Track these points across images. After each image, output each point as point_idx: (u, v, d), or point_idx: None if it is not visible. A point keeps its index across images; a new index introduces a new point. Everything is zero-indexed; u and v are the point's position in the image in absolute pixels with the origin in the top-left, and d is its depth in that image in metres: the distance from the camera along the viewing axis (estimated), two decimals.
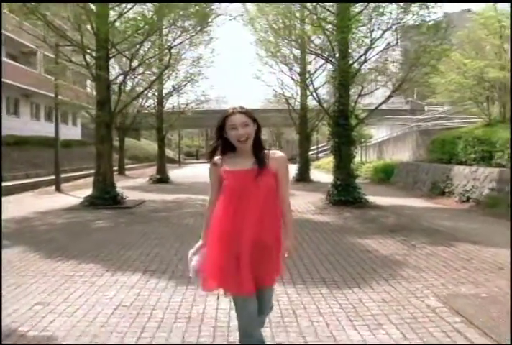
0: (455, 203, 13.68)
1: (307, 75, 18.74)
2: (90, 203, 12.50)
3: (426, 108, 37.88)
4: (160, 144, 25.21)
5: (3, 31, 21.39)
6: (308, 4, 13.49)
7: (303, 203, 13.48)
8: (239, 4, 15.76)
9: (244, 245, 2.98)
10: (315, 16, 13.09)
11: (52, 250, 7.23)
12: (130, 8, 12.60)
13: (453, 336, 3.90)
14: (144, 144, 53.18)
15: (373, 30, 12.65)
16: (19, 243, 7.85)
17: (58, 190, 18.01)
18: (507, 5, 14.50)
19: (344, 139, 12.85)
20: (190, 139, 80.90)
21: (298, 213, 11.53)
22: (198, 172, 28.50)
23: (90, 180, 22.80)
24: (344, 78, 12.57)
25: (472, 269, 6.06)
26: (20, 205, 13.36)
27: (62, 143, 19.93)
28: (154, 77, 16.44)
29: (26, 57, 31.73)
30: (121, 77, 14.51)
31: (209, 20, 14.42)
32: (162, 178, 22.98)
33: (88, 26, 12.53)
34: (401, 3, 12.56)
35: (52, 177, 19.76)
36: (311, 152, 41.72)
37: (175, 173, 28.72)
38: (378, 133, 31.92)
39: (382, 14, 12.14)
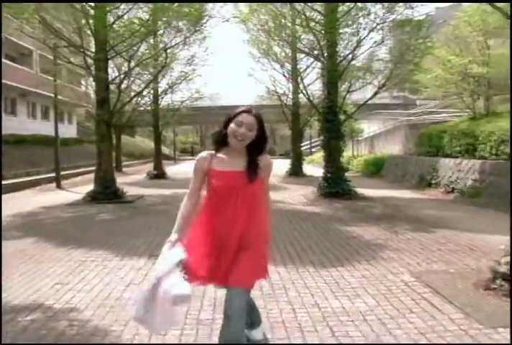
0: (441, 194, 14.34)
1: (298, 73, 19.34)
2: (93, 197, 13.09)
3: (417, 102, 38.43)
4: (157, 141, 25.79)
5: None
6: (297, 5, 14.09)
7: (296, 196, 14.11)
8: (232, 5, 16.33)
9: (230, 244, 2.98)
10: (303, 17, 13.68)
11: (63, 240, 7.83)
12: (127, 12, 13.16)
13: (420, 303, 4.54)
14: (138, 141, 53.69)
15: (360, 29, 13.25)
16: (29, 234, 8.44)
17: (59, 186, 18.57)
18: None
19: (334, 133, 13.48)
20: (184, 136, 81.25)
21: (291, 204, 12.17)
22: (192, 168, 29.03)
23: (88, 177, 23.53)
24: (333, 76, 13.19)
25: (446, 251, 6.71)
26: (24, 201, 13.93)
27: (60, 141, 20.47)
28: (150, 77, 17.01)
29: (22, 58, 32.15)
30: (119, 77, 15.05)
31: (203, 21, 15.00)
32: (159, 174, 23.61)
33: (87, 30, 13.07)
34: (386, 3, 13.15)
35: (52, 174, 20.35)
36: (304, 147, 42.41)
37: (171, 169, 29.31)
38: (370, 127, 32.51)
39: (368, 13, 12.72)
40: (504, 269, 4.81)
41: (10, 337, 3.81)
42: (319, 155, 33.70)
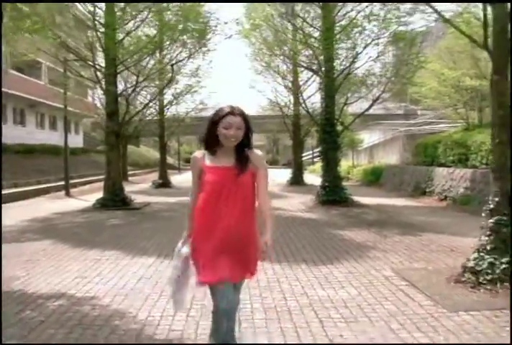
0: (434, 202, 14.99)
1: (298, 86, 20.10)
2: (102, 204, 13.77)
3: (419, 112, 39.01)
4: (162, 150, 26.51)
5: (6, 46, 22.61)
6: (298, 21, 14.87)
7: (295, 203, 14.79)
8: (234, 22, 17.05)
9: (222, 239, 3.09)
10: (301, 32, 14.44)
11: (78, 242, 8.51)
12: (135, 29, 13.95)
13: (396, 293, 5.20)
14: (143, 150, 54.44)
15: (356, 45, 13.96)
16: (47, 237, 9.12)
17: (68, 194, 19.27)
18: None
19: (331, 144, 14.18)
20: (188, 146, 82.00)
21: (290, 211, 12.84)
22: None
23: (96, 185, 24.29)
24: (330, 90, 13.91)
25: (428, 251, 7.36)
26: (37, 208, 14.61)
27: (64, 151, 21.18)
28: (157, 89, 17.77)
29: (31, 69, 33.02)
30: (129, 90, 15.80)
31: (207, 37, 15.78)
32: (164, 183, 24.30)
33: (98, 46, 13.83)
34: (381, 20, 13.86)
35: (61, 183, 21.09)
36: (307, 157, 43.07)
37: (175, 178, 29.96)
38: (371, 137, 33.17)
39: (363, 30, 13.46)
40: (472, 264, 5.46)
41: (43, 316, 4.49)
42: (320, 165, 34.44)
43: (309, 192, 17.82)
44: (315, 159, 47.55)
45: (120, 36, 13.77)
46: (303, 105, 16.99)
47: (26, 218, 12.01)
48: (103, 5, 13.36)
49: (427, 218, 11.27)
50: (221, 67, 75.98)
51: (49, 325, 4.28)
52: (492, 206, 5.51)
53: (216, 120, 3.10)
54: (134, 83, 15.76)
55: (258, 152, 3.25)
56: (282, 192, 19.14)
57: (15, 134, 29.09)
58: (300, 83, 22.48)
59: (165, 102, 25.02)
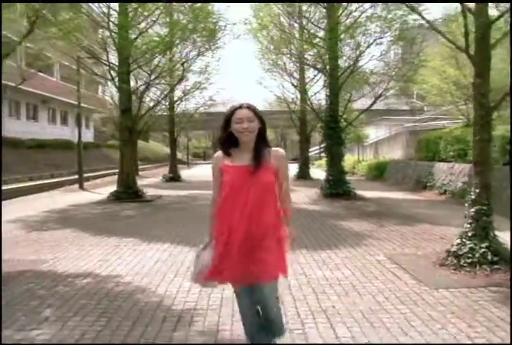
0: (434, 195, 15.55)
1: (304, 83, 20.70)
2: (116, 197, 14.47)
3: (425, 108, 39.38)
4: (172, 145, 27.20)
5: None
6: (303, 21, 15.46)
7: (300, 197, 15.40)
8: (243, 21, 17.62)
9: (237, 239, 3.08)
10: (305, 31, 15.04)
11: (96, 230, 9.19)
12: (147, 29, 14.61)
13: (386, 274, 5.82)
14: (153, 145, 55.26)
15: (359, 45, 14.53)
16: (67, 226, 9.80)
17: (82, 188, 19.98)
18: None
19: (335, 140, 14.78)
20: (197, 141, 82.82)
21: (295, 204, 13.43)
22: (205, 171, 30.27)
23: (107, 179, 25.05)
24: (334, 87, 14.51)
25: (420, 239, 7.97)
26: (53, 201, 15.31)
27: (78, 146, 21.88)
28: (167, 86, 18.43)
29: (44, 66, 33.70)
30: (141, 88, 16.46)
31: (217, 37, 16.43)
32: (174, 177, 25.02)
33: (112, 45, 14.48)
34: (383, 21, 14.41)
35: (74, 176, 21.89)
36: (314, 152, 43.62)
37: (184, 173, 30.65)
38: (377, 133, 33.66)
39: (366, 30, 14.03)
40: (455, 249, 6.08)
41: (74, 290, 5.16)
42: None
43: (314, 186, 18.41)
44: (322, 154, 48.12)
45: (133, 36, 14.39)
46: (308, 102, 17.58)
47: (45, 209, 12.72)
48: (116, 6, 14.01)
49: (425, 211, 11.86)
50: (229, 63, 76.51)
51: (81, 297, 4.95)
52: (473, 197, 6.12)
53: (227, 119, 3.15)
54: (146, 80, 16.41)
55: (279, 149, 3.29)
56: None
57: (28, 129, 29.93)
58: (307, 80, 23.08)
59: (175, 98, 25.65)
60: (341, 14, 14.51)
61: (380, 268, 6.09)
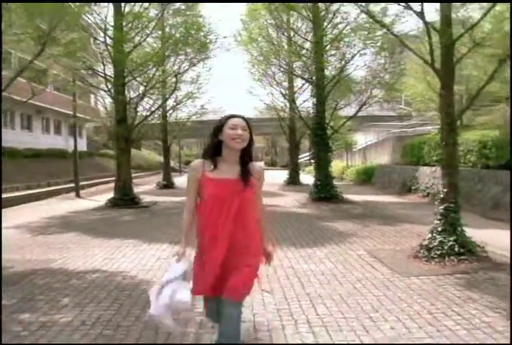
0: (418, 198, 16.31)
1: (293, 92, 21.48)
2: (113, 203, 15.08)
3: (413, 114, 40.15)
4: (166, 154, 27.81)
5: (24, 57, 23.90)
6: (291, 33, 16.21)
7: (290, 201, 16.09)
8: (233, 35, 18.37)
9: (222, 251, 3.10)
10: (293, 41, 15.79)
11: (98, 233, 9.81)
12: (143, 41, 15.32)
13: (365, 266, 6.50)
14: (145, 153, 55.78)
15: (344, 56, 15.29)
16: (69, 230, 10.40)
17: (78, 196, 20.54)
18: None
19: (322, 146, 15.50)
20: (188, 149, 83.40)
21: (285, 207, 14.15)
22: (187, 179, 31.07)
23: (102, 187, 25.62)
24: (320, 96, 15.25)
25: (399, 237, 8.68)
26: (52, 208, 15.89)
27: (74, 154, 22.47)
28: (161, 97, 19.07)
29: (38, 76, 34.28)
30: (136, 99, 17.11)
31: (208, 51, 17.18)
32: (167, 184, 25.62)
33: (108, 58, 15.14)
34: (366, 33, 15.15)
35: (69, 185, 22.46)
36: (304, 159, 44.36)
37: (177, 180, 31.21)
38: (366, 139, 34.42)
39: (350, 42, 14.78)
40: (426, 242, 6.78)
41: (86, 283, 5.80)
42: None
43: (304, 191, 19.10)
44: (311, 161, 48.88)
45: (127, 49, 15.06)
46: (296, 110, 18.33)
47: (46, 215, 13.32)
48: (111, 21, 14.70)
49: (407, 212, 12.58)
50: (218, 71, 77.20)
51: (93, 289, 5.58)
52: (442, 196, 6.83)
53: (220, 125, 3.11)
54: (140, 91, 17.08)
55: (258, 164, 3.33)
56: (279, 191, 20.41)
57: (23, 139, 30.46)
58: (295, 89, 23.86)
59: (168, 107, 26.28)
60: (326, 26, 15.27)
61: (359, 261, 6.77)
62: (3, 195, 16.66)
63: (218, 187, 3.07)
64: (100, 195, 19.93)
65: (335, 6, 14.56)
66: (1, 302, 4.84)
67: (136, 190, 22.25)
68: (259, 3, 17.69)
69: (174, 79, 17.55)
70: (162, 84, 17.71)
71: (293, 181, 25.82)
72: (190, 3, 16.30)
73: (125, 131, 15.36)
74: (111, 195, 16.19)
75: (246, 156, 3.16)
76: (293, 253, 7.40)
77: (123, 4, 14.60)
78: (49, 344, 3.97)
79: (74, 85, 19.17)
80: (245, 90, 37.32)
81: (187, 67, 19.08)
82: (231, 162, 3.14)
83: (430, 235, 6.82)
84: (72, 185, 21.53)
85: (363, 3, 8.48)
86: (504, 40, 6.90)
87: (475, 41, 7.30)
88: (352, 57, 14.96)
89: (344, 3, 12.86)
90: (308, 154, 50.39)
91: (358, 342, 3.88)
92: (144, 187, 26.80)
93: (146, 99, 23.97)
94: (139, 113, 17.55)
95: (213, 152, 3.16)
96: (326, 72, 15.65)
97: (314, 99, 15.98)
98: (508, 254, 6.59)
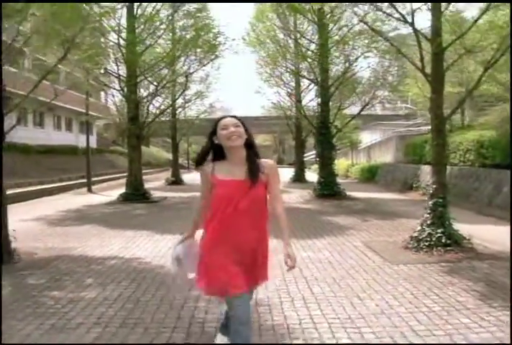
0: (419, 195, 16.83)
1: (299, 92, 22.08)
2: (125, 198, 15.76)
3: (418, 113, 40.55)
4: (174, 151, 28.49)
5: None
6: (297, 35, 16.80)
7: (295, 197, 16.71)
8: (241, 36, 18.97)
9: (234, 251, 3.11)
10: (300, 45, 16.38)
11: (113, 225, 10.47)
12: (155, 42, 15.96)
13: (359, 255, 7.10)
14: (154, 150, 56.51)
15: (348, 58, 15.86)
16: (85, 222, 11.07)
17: (90, 191, 21.24)
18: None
19: (326, 145, 16.09)
20: (196, 145, 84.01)
21: (289, 203, 14.74)
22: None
23: (112, 183, 26.35)
24: (325, 97, 15.84)
25: (394, 230, 9.28)
26: (67, 202, 16.58)
27: (84, 151, 23.19)
28: (170, 96, 19.76)
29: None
30: (148, 97, 17.80)
31: (217, 51, 17.82)
32: (176, 180, 26.34)
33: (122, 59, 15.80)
34: (370, 36, 15.70)
35: (81, 180, 23.18)
36: (310, 157, 44.91)
37: (186, 177, 31.94)
38: (371, 137, 34.93)
39: (353, 46, 15.35)
40: (416, 234, 7.37)
41: (106, 268, 6.44)
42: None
43: (309, 188, 19.71)
44: (317, 159, 49.36)
45: (140, 50, 15.69)
46: (302, 110, 18.95)
47: (61, 209, 13.99)
48: (125, 23, 15.34)
49: (406, 208, 13.15)
50: (226, 70, 77.96)
51: (113, 272, 6.22)
52: (431, 191, 7.42)
53: (213, 130, 3.13)
54: (152, 90, 17.75)
55: (270, 161, 3.26)
56: (285, 189, 21.00)
57: (35, 136, 31.21)
58: (301, 88, 24.45)
59: (177, 105, 26.93)
60: (331, 29, 15.83)
61: (355, 251, 7.38)
62: (18, 190, 17.43)
63: (226, 188, 3.08)
64: (111, 191, 20.62)
65: (339, 9, 15.11)
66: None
67: (146, 185, 22.94)
68: (268, 4, 18.31)
69: (184, 79, 18.19)
70: (173, 84, 18.33)
71: (299, 178, 26.44)
72: (200, 5, 16.94)
73: (137, 128, 16.01)
74: (121, 190, 16.87)
75: (251, 154, 3.13)
76: (294, 243, 7.96)
77: (135, 7, 15.24)
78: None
79: (88, 85, 19.82)
80: (253, 89, 37.84)
81: (197, 68, 19.70)
82: (237, 163, 3.11)
83: (420, 227, 7.42)
84: (84, 180, 22.27)
85: (362, 13, 9.04)
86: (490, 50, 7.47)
87: (466, 48, 7.91)
88: (356, 59, 15.55)
89: (346, 9, 13.38)
90: (313, 152, 50.97)
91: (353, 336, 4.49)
92: (154, 183, 27.47)
93: (157, 98, 24.85)
94: (151, 112, 18.18)
95: (214, 156, 3.19)
96: (331, 74, 16.22)
97: (318, 100, 16.56)
98: (491, 246, 7.18)
